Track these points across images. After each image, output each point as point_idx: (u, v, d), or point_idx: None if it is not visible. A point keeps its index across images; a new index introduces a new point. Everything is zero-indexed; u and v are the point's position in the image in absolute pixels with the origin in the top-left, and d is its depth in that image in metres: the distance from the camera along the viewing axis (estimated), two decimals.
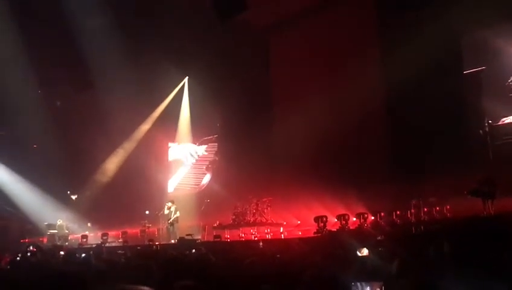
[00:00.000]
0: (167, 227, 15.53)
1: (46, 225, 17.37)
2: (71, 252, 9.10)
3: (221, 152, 18.69)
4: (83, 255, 8.19)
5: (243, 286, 3.48)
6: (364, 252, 5.26)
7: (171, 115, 19.70)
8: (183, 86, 19.79)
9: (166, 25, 16.87)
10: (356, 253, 5.35)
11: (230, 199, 15.85)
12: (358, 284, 3.23)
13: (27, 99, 17.74)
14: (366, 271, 3.85)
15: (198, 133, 19.70)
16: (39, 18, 16.57)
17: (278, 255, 5.93)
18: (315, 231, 11.49)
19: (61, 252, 9.09)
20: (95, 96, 18.22)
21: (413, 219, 11.10)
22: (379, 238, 8.15)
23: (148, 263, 3.51)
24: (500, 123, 12.26)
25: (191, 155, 19.97)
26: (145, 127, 19.70)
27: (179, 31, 16.71)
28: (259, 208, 14.33)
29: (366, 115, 13.28)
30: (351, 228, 11.27)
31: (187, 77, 19.58)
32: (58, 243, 15.59)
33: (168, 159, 20.42)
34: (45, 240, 17.09)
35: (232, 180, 16.91)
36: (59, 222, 17.32)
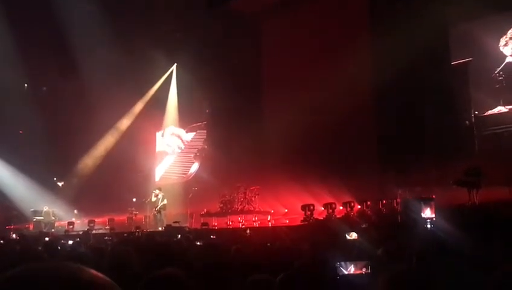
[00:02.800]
0: (154, 214, 15.51)
1: (32, 211, 17.22)
2: (55, 239, 9.03)
3: (210, 139, 18.62)
4: (70, 242, 8.16)
5: (231, 274, 3.48)
6: (353, 235, 5.33)
7: (159, 101, 19.57)
8: (171, 73, 19.63)
9: (154, 11, 16.69)
10: (343, 240, 5.40)
11: (218, 186, 15.86)
12: (343, 263, 3.27)
13: (13, 85, 17.50)
14: (352, 254, 3.89)
15: (187, 120, 19.60)
16: (25, 3, 16.29)
17: (269, 244, 5.97)
18: (302, 219, 11.56)
19: (46, 238, 9.03)
20: (82, 82, 18.00)
21: (399, 208, 11.18)
22: (364, 226, 8.23)
23: (128, 250, 3.46)
24: (486, 114, 12.37)
25: (179, 142, 19.88)
26: (133, 113, 19.56)
27: (168, 16, 16.54)
28: (247, 196, 14.37)
29: (354, 104, 13.30)
30: (337, 216, 11.34)
31: (175, 64, 19.41)
32: (45, 230, 15.49)
33: (155, 147, 20.32)
34: (31, 226, 16.96)
35: (220, 168, 16.89)
36: (45, 208, 17.18)
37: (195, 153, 19.25)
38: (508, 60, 12.09)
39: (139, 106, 19.63)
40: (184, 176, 19.33)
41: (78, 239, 9.79)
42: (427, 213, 6.18)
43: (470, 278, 2.55)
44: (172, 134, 19.99)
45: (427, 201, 7.12)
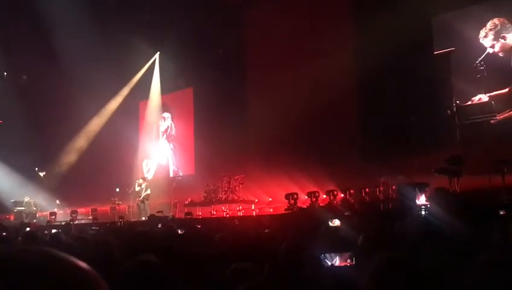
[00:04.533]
0: (138, 204, 15.43)
1: (13, 202, 16.99)
2: (37, 230, 8.92)
3: (194, 128, 18.51)
4: (53, 231, 8.07)
5: (214, 262, 3.46)
6: (336, 222, 5.36)
7: (142, 90, 19.36)
8: (154, 62, 19.41)
9: None
10: (326, 227, 5.43)
11: (202, 176, 15.82)
12: (328, 255, 3.27)
13: None
14: (336, 242, 3.90)
15: (170, 109, 19.45)
16: None
17: (254, 232, 5.96)
18: (286, 207, 11.61)
19: (27, 229, 8.91)
20: (63, 71, 17.70)
21: (381, 196, 11.30)
22: (347, 213, 8.30)
23: (109, 240, 3.42)
24: (467, 103, 12.50)
25: (163, 131, 19.73)
26: (115, 102, 19.34)
27: (150, 2, 16.33)
28: (231, 186, 14.34)
29: (337, 93, 13.32)
30: (321, 204, 11.41)
31: (158, 52, 19.20)
32: (26, 221, 15.30)
33: (138, 135, 20.13)
34: (12, 217, 16.74)
35: (204, 158, 16.85)
36: (26, 199, 16.97)
37: (179, 141, 19.15)
38: (488, 50, 12.21)
39: (121, 95, 19.41)
40: (168, 165, 19.21)
41: (60, 230, 9.69)
42: (422, 200, 6.10)
43: (456, 266, 2.57)
44: (155, 122, 19.81)
45: (422, 187, 6.99)
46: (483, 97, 12.21)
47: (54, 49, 17.22)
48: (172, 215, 13.50)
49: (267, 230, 6.69)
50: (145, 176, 18.10)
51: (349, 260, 3.42)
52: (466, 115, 12.47)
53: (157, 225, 8.71)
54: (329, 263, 3.31)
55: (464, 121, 12.50)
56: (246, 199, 14.21)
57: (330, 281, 2.78)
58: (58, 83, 18.13)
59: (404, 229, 4.12)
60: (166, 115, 19.45)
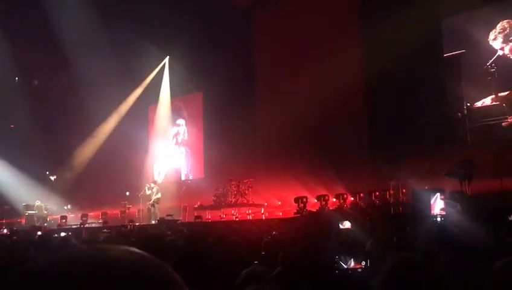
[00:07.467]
0: (148, 208, 15.48)
1: (24, 205, 17.14)
2: (48, 234, 8.99)
3: (203, 132, 18.57)
4: (62, 234, 8.14)
5: (225, 265, 3.47)
6: (346, 225, 5.33)
7: (152, 94, 19.45)
8: (163, 66, 19.50)
9: (145, 1, 16.55)
10: (336, 230, 5.41)
11: (212, 180, 15.85)
12: (342, 257, 3.26)
13: (3, 78, 17.36)
14: (347, 245, 3.89)
15: (180, 113, 19.51)
16: None
17: (269, 236, 5.96)
18: (295, 211, 11.58)
19: (39, 233, 8.99)
20: (73, 76, 17.86)
21: (391, 200, 11.24)
22: (357, 217, 8.27)
23: (122, 242, 3.44)
24: (478, 106, 12.42)
25: (173, 135, 19.80)
26: (125, 106, 19.45)
27: (159, 7, 16.42)
28: (241, 189, 14.36)
29: (346, 96, 13.31)
30: (330, 208, 11.38)
31: (168, 57, 19.28)
32: (37, 224, 15.42)
33: (148, 139, 20.20)
34: (23, 221, 16.89)
35: (213, 162, 16.88)
36: (37, 202, 17.11)
37: (189, 145, 19.20)
38: (498, 53, 12.13)
39: (131, 99, 19.51)
40: (178, 169, 19.26)
41: (70, 233, 9.76)
42: (438, 205, 5.77)
43: (472, 270, 2.54)
44: (166, 127, 19.88)
45: (438, 192, 6.66)
46: (494, 100, 12.12)
47: (64, 54, 17.37)
48: (181, 220, 13.54)
49: (274, 232, 6.70)
50: (155, 179, 18.16)
51: (363, 263, 3.41)
52: (476, 118, 12.39)
53: (169, 228, 8.77)
54: (344, 266, 3.31)
55: (474, 124, 12.42)
56: (255, 202, 14.21)
57: (343, 284, 2.78)
58: (69, 88, 18.29)
59: (416, 234, 4.09)
60: (181, 121, 19.50)
